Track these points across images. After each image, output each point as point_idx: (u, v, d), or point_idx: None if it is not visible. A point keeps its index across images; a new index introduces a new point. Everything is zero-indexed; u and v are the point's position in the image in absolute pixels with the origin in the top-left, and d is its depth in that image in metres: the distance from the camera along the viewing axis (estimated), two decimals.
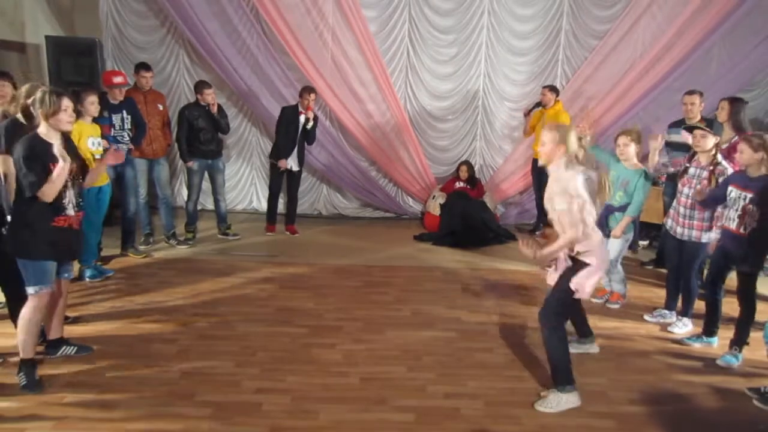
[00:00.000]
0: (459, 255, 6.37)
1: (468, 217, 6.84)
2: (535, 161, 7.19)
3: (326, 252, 6.24)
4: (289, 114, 6.58)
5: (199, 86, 6.18)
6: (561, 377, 3.31)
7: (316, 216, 8.00)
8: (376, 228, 7.53)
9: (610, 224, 4.69)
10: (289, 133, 6.56)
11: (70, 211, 3.33)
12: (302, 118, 6.53)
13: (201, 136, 6.20)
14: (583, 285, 3.23)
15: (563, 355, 3.30)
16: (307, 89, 6.54)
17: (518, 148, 7.85)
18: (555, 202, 3.21)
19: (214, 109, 6.15)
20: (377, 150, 7.69)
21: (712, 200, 4.00)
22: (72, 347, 3.72)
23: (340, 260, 5.96)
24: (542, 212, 7.20)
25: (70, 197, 3.31)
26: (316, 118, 6.68)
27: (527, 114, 7.19)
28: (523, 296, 5.13)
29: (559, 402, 3.29)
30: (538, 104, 7.03)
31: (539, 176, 7.12)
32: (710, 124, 4.26)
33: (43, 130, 3.21)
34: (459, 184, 7.40)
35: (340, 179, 7.83)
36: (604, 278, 5.00)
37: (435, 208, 7.30)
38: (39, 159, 3.12)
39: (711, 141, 4.16)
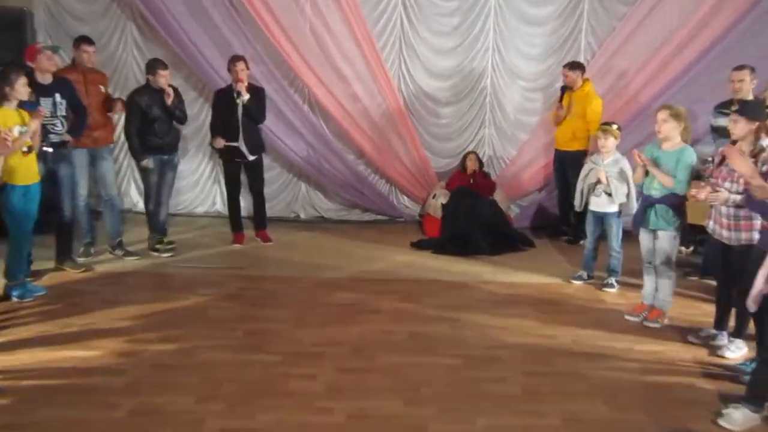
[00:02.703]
0: (465, 265, 6.36)
1: (475, 219, 6.83)
2: (557, 151, 7.17)
3: (305, 263, 6.22)
4: (223, 96, 6.50)
5: (152, 66, 6.10)
6: (758, 398, 3.57)
7: (292, 219, 8.00)
8: (365, 233, 7.52)
9: (651, 220, 4.73)
10: (227, 118, 6.44)
11: None
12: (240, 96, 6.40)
13: (156, 127, 6.12)
14: None
15: None
16: (234, 58, 6.42)
17: (535, 135, 7.84)
18: None
19: (169, 101, 6.05)
20: (366, 140, 7.69)
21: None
22: None
23: (323, 273, 5.94)
24: (566, 212, 7.26)
25: None
26: (258, 90, 6.57)
27: (559, 101, 7.13)
28: (543, 314, 5.12)
29: (746, 420, 3.54)
30: (564, 88, 7.04)
31: (562, 168, 7.11)
32: (744, 105, 4.31)
33: None
34: (465, 179, 7.37)
35: (322, 175, 7.82)
36: (646, 290, 5.02)
37: (436, 208, 7.29)
38: None
39: (744, 126, 4.14)
